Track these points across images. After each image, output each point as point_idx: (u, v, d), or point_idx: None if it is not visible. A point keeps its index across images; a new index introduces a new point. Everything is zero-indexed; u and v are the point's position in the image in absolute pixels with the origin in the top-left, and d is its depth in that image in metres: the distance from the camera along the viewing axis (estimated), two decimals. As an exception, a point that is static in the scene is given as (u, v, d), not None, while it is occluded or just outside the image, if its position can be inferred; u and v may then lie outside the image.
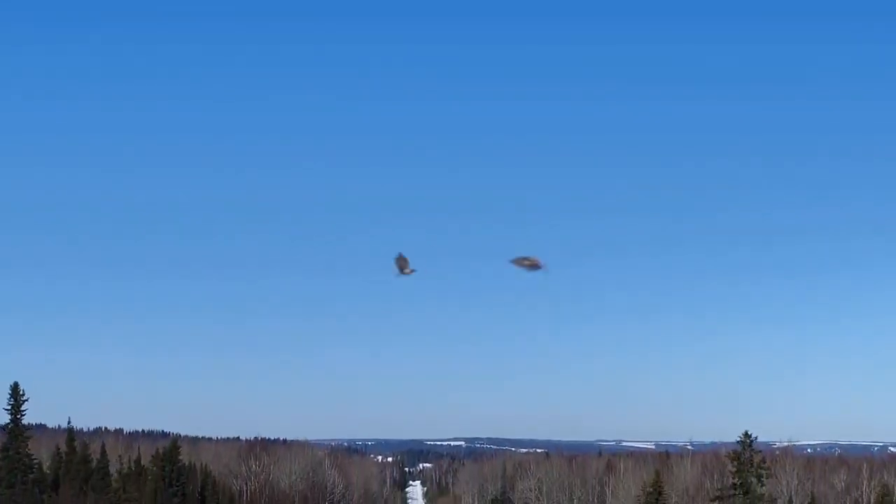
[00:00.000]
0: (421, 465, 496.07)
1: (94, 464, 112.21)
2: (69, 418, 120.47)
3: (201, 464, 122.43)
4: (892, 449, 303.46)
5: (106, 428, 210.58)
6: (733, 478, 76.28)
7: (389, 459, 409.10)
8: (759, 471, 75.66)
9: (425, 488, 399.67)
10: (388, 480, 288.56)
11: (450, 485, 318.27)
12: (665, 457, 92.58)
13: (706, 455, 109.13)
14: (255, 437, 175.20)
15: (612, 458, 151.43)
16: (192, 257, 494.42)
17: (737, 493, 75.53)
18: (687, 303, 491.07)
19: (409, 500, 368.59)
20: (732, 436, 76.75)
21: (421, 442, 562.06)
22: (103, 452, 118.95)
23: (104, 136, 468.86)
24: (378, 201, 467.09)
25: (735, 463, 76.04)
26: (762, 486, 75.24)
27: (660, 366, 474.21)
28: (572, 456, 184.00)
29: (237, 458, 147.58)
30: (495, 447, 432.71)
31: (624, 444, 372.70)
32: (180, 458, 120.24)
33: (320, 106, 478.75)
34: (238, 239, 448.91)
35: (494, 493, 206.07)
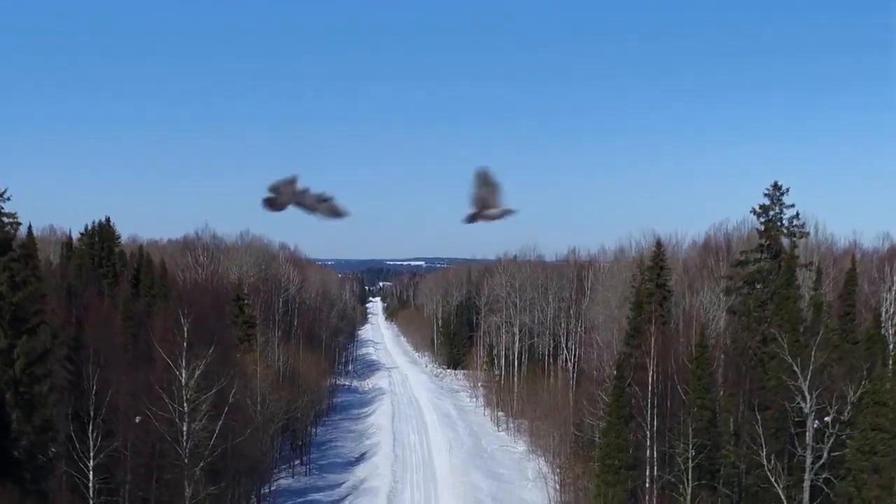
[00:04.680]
0: (381, 284, 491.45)
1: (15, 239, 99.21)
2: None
3: (139, 247, 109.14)
4: None
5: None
6: (760, 238, 63.84)
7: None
8: (792, 229, 63.45)
9: (385, 303, 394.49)
10: (347, 296, 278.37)
11: (410, 298, 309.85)
12: (657, 242, 79.59)
13: (708, 234, 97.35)
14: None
15: (594, 259, 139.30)
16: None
17: (763, 256, 63.43)
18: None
19: (370, 315, 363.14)
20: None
21: (381, 262, 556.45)
22: (30, 233, 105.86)
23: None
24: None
25: (762, 219, 63.52)
26: (795, 247, 63.02)
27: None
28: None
29: (183, 249, 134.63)
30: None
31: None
32: (117, 239, 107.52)
33: None
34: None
35: (459, 298, 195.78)
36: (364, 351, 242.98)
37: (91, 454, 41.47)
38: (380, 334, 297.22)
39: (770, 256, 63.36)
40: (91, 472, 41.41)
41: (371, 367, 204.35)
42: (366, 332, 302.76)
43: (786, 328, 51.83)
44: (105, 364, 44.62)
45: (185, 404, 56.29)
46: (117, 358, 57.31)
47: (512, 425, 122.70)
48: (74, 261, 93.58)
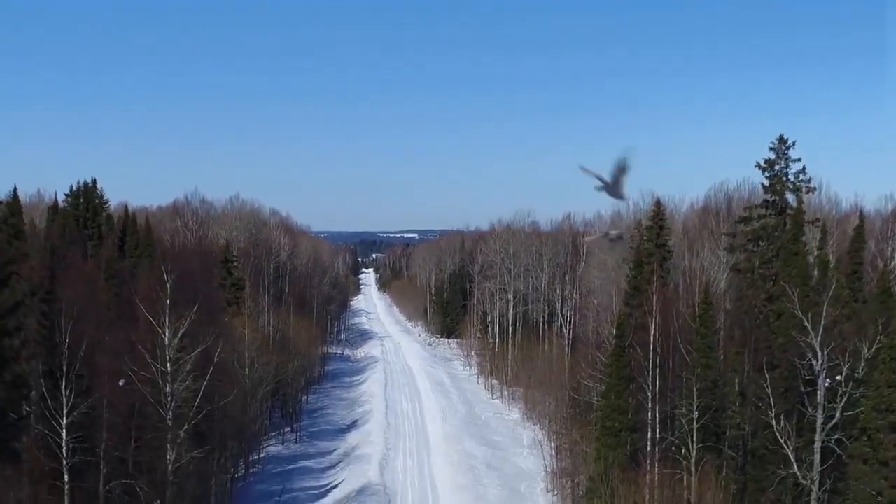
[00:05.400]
0: (374, 255, 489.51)
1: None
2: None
3: (125, 207, 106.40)
4: None
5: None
6: (765, 193, 61.43)
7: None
8: (798, 183, 61.06)
9: (378, 274, 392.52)
10: (340, 267, 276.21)
11: (403, 269, 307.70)
12: (656, 201, 77.18)
13: (708, 195, 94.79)
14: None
15: (590, 224, 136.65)
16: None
17: (769, 212, 61.10)
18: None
19: (363, 286, 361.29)
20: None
21: (374, 234, 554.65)
22: (14, 195, 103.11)
23: None
24: None
25: (767, 173, 61.09)
26: (802, 202, 60.64)
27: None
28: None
29: (172, 214, 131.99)
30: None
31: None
32: (105, 204, 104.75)
33: None
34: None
35: (453, 267, 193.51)
36: (356, 320, 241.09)
37: (64, 411, 39.22)
38: (372, 304, 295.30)
39: (775, 212, 61.10)
40: (64, 431, 39.19)
41: (363, 336, 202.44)
42: (358, 302, 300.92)
43: (795, 283, 49.55)
44: (79, 316, 42.32)
45: (167, 364, 54.11)
46: (99, 316, 55.04)
47: (506, 393, 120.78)
48: (58, 221, 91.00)
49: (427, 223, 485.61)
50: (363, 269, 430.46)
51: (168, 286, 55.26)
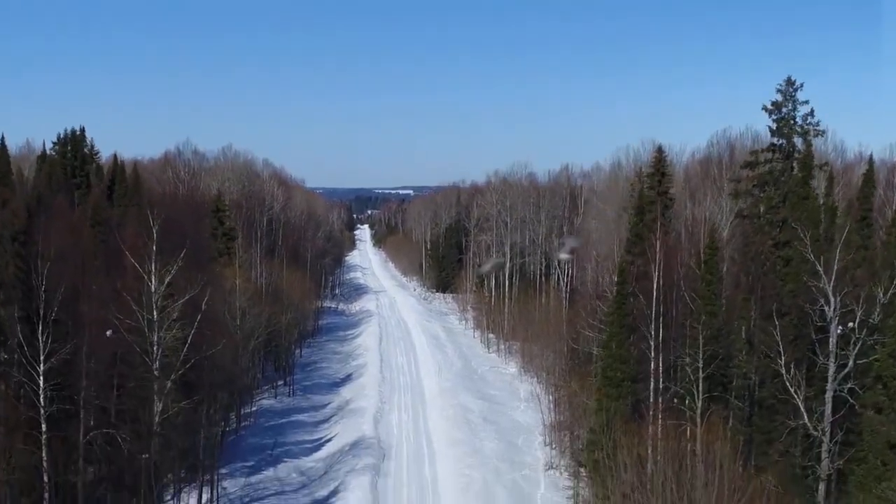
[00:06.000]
0: (369, 211, 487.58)
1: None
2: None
3: (114, 156, 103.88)
4: None
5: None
6: (772, 136, 59.24)
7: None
8: (806, 127, 58.84)
9: (373, 230, 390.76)
10: (335, 222, 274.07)
11: (398, 224, 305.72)
12: (658, 148, 75.00)
13: (710, 143, 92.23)
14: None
15: (588, 175, 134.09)
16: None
17: (775, 156, 58.97)
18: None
19: (358, 242, 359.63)
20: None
21: (369, 190, 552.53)
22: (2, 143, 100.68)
23: None
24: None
25: (774, 116, 58.84)
26: (810, 145, 58.46)
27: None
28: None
29: (163, 165, 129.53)
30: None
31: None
32: (96, 155, 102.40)
33: None
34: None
35: (448, 220, 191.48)
36: (351, 275, 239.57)
37: (41, 358, 37.31)
38: (367, 260, 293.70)
39: (783, 156, 59.01)
40: (41, 378, 37.32)
41: (358, 291, 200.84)
42: (353, 257, 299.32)
43: (805, 228, 47.56)
44: (58, 259, 40.34)
45: (154, 312, 52.25)
46: (83, 264, 53.10)
47: (503, 347, 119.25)
48: (45, 169, 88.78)
49: (423, 179, 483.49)
50: (358, 225, 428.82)
51: (154, 232, 53.33)
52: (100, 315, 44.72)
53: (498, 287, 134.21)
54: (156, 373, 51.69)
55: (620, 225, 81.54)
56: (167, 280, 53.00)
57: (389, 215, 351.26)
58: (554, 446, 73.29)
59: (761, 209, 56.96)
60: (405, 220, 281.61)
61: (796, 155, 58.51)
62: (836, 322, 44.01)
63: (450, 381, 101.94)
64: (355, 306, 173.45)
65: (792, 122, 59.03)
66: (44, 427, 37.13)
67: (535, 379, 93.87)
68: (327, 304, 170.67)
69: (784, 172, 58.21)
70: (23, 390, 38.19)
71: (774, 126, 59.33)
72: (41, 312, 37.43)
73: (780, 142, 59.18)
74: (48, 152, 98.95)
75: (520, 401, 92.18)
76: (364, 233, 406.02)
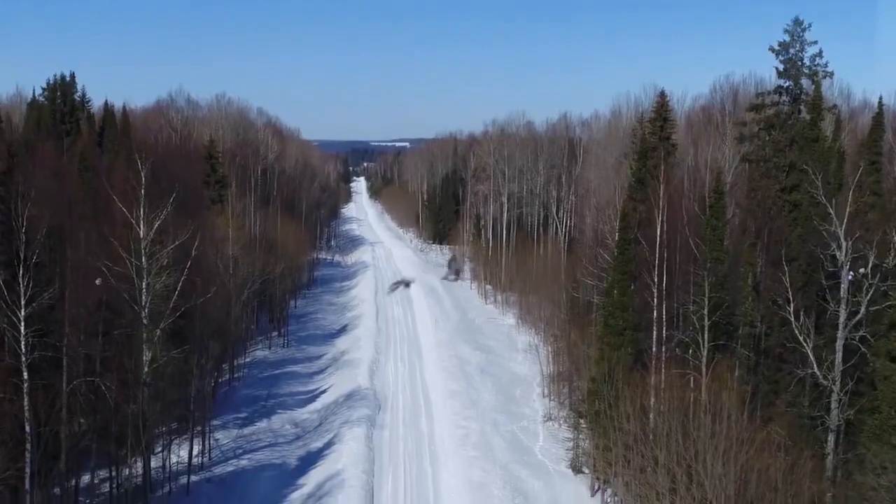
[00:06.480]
0: (365, 164, 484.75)
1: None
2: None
3: (107, 103, 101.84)
4: None
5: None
6: (779, 77, 57.29)
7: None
8: (814, 68, 56.89)
9: (369, 183, 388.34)
10: (330, 174, 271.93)
11: (395, 176, 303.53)
12: (660, 93, 73.10)
13: (713, 88, 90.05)
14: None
15: (587, 123, 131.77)
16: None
17: (783, 99, 57.09)
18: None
19: (354, 194, 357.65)
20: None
21: (365, 143, 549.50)
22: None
23: None
24: None
25: (781, 57, 56.85)
26: (819, 86, 56.47)
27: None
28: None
29: (155, 113, 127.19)
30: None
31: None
32: (87, 103, 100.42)
33: None
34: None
35: (445, 171, 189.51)
36: (347, 227, 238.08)
37: (22, 303, 35.73)
38: (363, 212, 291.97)
39: (790, 99, 57.15)
40: (22, 324, 35.76)
41: (354, 243, 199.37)
42: (349, 210, 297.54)
43: (817, 169, 45.87)
44: (39, 200, 38.65)
45: (142, 258, 50.65)
46: (69, 209, 51.53)
47: (500, 298, 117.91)
48: (33, 115, 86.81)
49: (419, 132, 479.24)
50: (354, 178, 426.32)
51: (143, 176, 51.62)
52: (86, 261, 43.10)
53: (496, 238, 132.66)
54: (144, 321, 50.21)
55: (620, 173, 79.86)
56: (156, 225, 51.42)
57: (385, 167, 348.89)
58: (552, 398, 72.15)
59: (768, 152, 55.18)
60: (401, 172, 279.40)
61: (804, 97, 56.67)
62: (848, 267, 42.42)
63: (446, 333, 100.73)
64: (351, 258, 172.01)
65: (800, 63, 57.05)
66: (25, 375, 35.64)
67: (534, 330, 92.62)
68: (323, 255, 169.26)
69: (791, 115, 56.43)
70: (6, 338, 36.63)
71: (782, 67, 57.34)
72: (21, 255, 35.79)
73: (788, 83, 57.27)
74: (37, 98, 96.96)
75: (517, 352, 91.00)
76: (360, 185, 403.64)
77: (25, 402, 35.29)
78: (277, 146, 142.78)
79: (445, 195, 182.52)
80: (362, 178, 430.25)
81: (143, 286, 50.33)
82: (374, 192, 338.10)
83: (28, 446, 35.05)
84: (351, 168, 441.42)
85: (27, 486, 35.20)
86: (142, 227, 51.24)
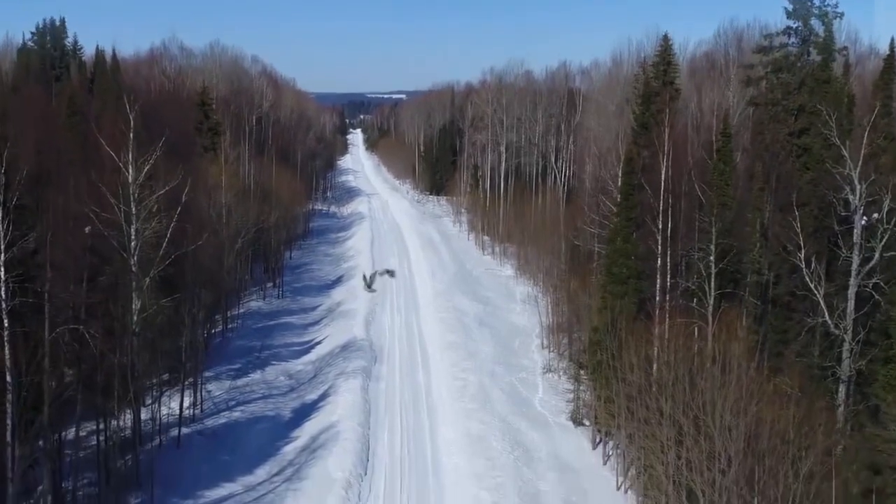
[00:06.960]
0: (362, 116, 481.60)
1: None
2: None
3: (97, 48, 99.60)
4: None
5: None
6: (788, 18, 55.35)
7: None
8: (824, 8, 54.96)
9: (366, 135, 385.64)
10: (327, 126, 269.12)
11: (391, 128, 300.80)
12: (663, 37, 71.20)
13: (717, 33, 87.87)
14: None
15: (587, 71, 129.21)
16: None
17: (792, 40, 55.20)
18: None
19: (350, 146, 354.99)
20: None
21: (362, 95, 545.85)
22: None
23: None
24: None
25: (791, -3, 54.84)
26: (830, 27, 54.62)
27: None
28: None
29: (148, 61, 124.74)
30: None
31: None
32: (79, 50, 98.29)
33: None
34: None
35: (442, 121, 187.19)
36: (343, 178, 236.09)
37: (2, 246, 34.16)
38: (360, 164, 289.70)
39: (799, 40, 55.31)
40: (2, 269, 34.19)
41: (350, 194, 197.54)
42: (346, 161, 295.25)
43: (830, 111, 44.16)
44: (19, 140, 36.98)
45: (131, 203, 49.07)
46: (57, 155, 50.04)
47: (498, 249, 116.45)
48: (21, 60, 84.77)
49: (416, 83, 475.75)
50: (350, 130, 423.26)
51: (132, 119, 49.96)
52: (73, 206, 41.52)
53: (493, 189, 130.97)
54: (133, 268, 48.72)
55: (622, 119, 78.03)
56: (145, 170, 49.81)
57: (382, 119, 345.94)
58: (552, 349, 70.89)
59: (777, 95, 53.41)
60: (398, 124, 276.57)
61: (813, 38, 54.85)
62: (862, 211, 40.87)
63: (444, 284, 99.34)
64: (347, 209, 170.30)
65: (809, 3, 55.23)
66: (6, 322, 34.12)
67: (532, 281, 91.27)
68: (318, 206, 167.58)
69: (801, 57, 54.66)
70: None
71: (791, 7, 55.55)
72: (1, 198, 34.16)
73: (797, 24, 55.41)
74: (27, 43, 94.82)
75: (516, 303, 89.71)
76: (356, 137, 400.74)
77: (6, 350, 33.78)
78: (272, 95, 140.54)
79: (442, 146, 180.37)
80: (359, 131, 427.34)
81: (132, 232, 48.85)
82: (371, 145, 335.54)
83: (9, 396, 33.60)
84: (347, 120, 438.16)
85: (9, 438, 33.79)
86: (130, 170, 49.70)
